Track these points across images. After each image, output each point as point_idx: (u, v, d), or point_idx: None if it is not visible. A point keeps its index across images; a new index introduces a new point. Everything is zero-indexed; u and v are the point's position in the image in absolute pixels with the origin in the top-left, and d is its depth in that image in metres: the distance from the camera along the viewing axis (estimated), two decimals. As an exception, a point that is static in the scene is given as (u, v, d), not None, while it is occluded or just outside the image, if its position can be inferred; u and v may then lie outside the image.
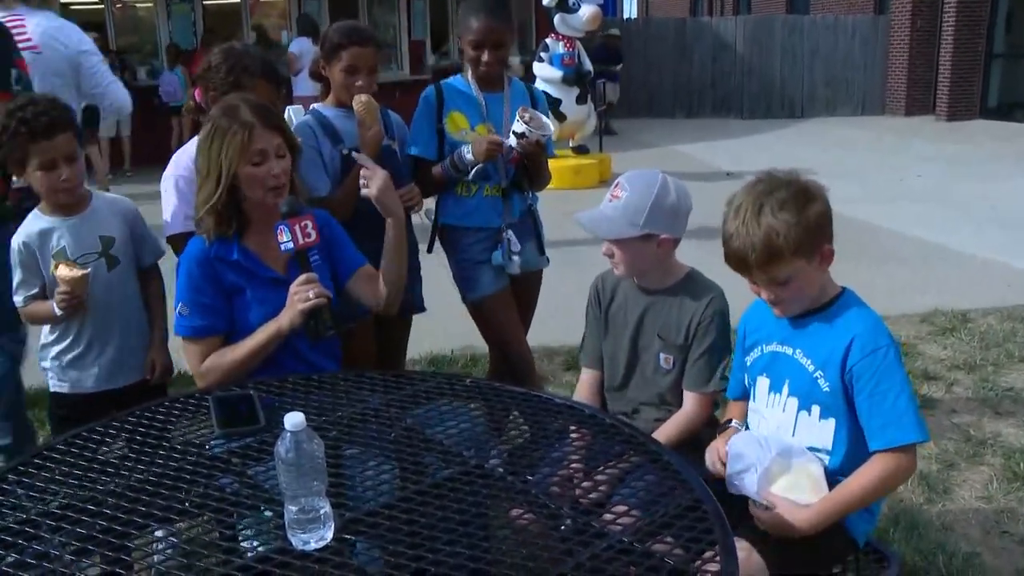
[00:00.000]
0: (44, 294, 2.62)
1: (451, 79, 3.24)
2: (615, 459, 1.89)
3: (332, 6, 14.36)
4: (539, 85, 10.21)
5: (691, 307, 2.32)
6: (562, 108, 10.14)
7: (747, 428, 2.15)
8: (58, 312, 2.54)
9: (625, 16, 24.43)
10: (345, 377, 2.22)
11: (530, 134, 2.99)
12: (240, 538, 1.68)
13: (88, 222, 2.65)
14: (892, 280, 6.17)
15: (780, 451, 1.94)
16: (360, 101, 2.88)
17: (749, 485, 1.92)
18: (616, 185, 2.33)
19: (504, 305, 3.24)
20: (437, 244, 3.34)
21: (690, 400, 2.34)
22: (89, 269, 2.52)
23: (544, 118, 3.09)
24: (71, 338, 2.68)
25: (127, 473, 1.77)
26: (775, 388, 2.06)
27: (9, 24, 3.30)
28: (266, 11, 14.98)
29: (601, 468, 1.87)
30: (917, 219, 8.02)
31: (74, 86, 3.78)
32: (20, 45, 3.30)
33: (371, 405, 2.04)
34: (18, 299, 2.67)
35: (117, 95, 3.96)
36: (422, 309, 3.32)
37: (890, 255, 6.90)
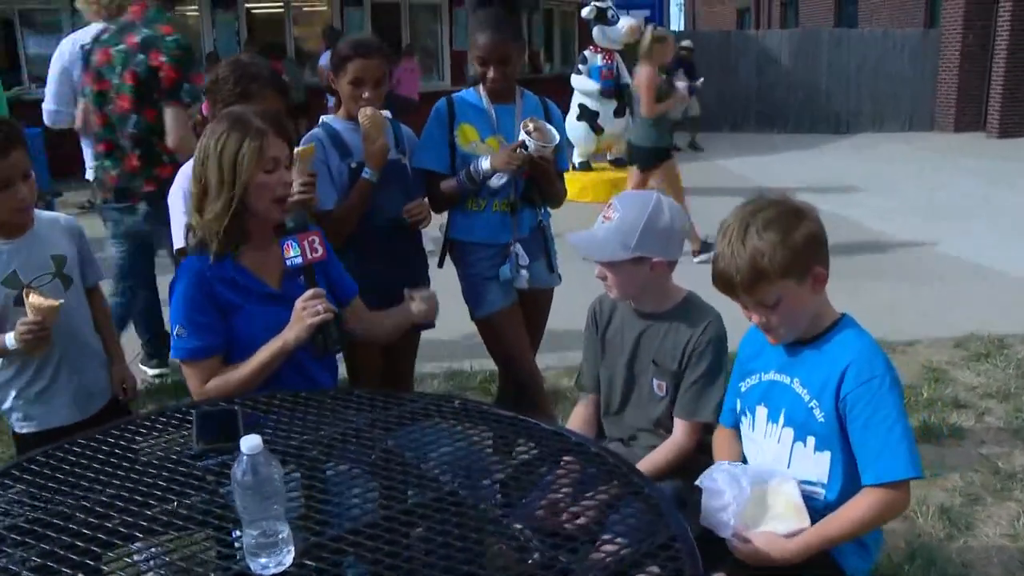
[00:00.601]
0: None
1: (463, 92, 3.22)
2: (597, 490, 1.83)
3: (374, 17, 14.50)
4: (577, 97, 10.22)
5: (686, 332, 2.26)
6: (600, 121, 10.12)
7: (744, 460, 2.08)
8: (14, 346, 2.32)
9: (671, 29, 24.31)
10: (334, 395, 2.19)
11: (531, 145, 2.95)
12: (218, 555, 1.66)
13: (37, 241, 2.48)
14: (927, 301, 6.02)
15: (753, 480, 1.87)
16: (365, 114, 2.87)
17: (725, 525, 1.86)
18: (609, 206, 2.28)
19: (512, 322, 3.20)
20: (445, 259, 3.32)
21: (680, 428, 2.27)
22: (63, 300, 2.36)
23: (551, 129, 3.04)
24: (33, 370, 2.47)
25: (100, 488, 1.76)
26: (772, 418, 2.00)
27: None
28: (310, 21, 15.15)
29: (581, 500, 1.82)
30: (959, 238, 7.82)
31: None
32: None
33: (355, 425, 2.01)
34: None
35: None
36: (431, 325, 3.29)
37: (928, 274, 6.73)
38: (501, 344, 3.24)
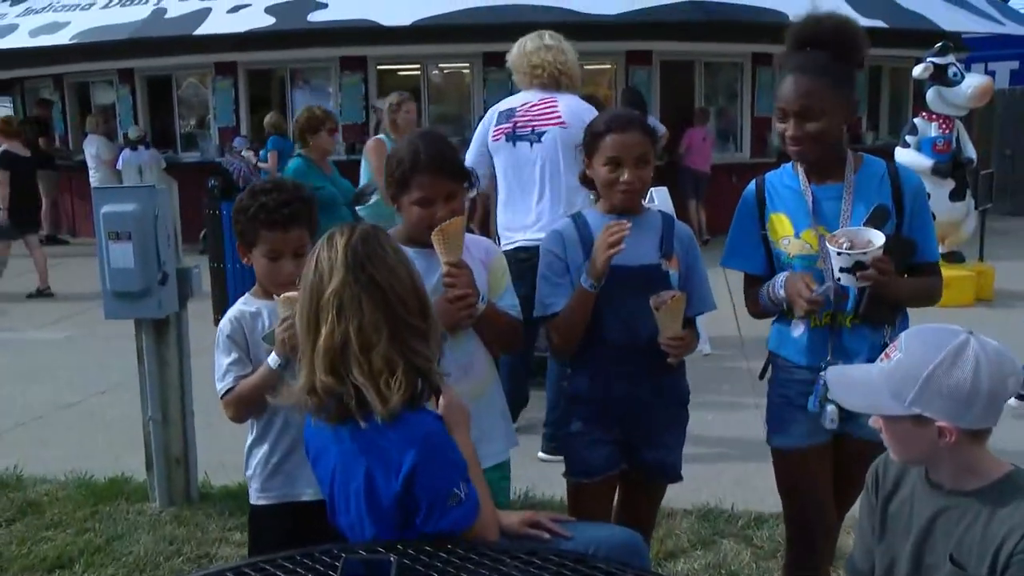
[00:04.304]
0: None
1: (777, 171, 2.94)
2: None
3: (664, 75, 14.56)
4: (903, 175, 9.58)
5: (1003, 526, 1.86)
6: (931, 204, 9.37)
7: None
8: (276, 361, 2.53)
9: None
10: (514, 554, 2.01)
11: (864, 259, 2.52)
12: None
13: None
14: None
15: None
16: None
17: None
18: (894, 343, 1.96)
19: (814, 468, 2.86)
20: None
21: None
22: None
23: (870, 234, 2.60)
24: (276, 432, 2.66)
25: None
26: None
27: (543, 105, 4.87)
28: (594, 80, 15.43)
29: None
30: None
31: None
32: (551, 121, 4.82)
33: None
34: (227, 382, 2.67)
35: None
36: (678, 478, 3.06)
37: None
38: (795, 487, 2.92)
